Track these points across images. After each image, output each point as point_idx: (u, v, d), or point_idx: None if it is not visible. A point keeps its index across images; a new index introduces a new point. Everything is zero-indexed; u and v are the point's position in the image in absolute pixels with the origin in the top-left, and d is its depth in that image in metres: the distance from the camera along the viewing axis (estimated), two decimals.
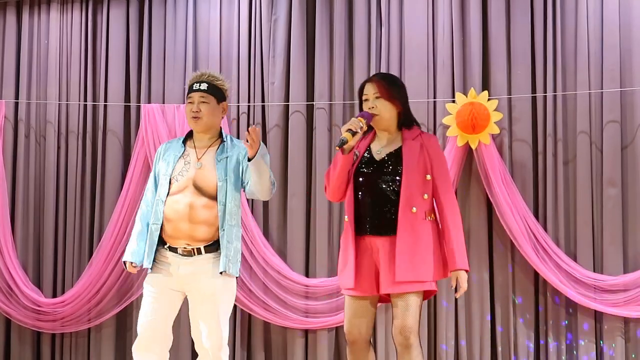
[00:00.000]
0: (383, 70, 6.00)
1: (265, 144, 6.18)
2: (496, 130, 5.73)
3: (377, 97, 3.96)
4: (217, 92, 4.22)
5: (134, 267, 4.27)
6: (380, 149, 3.99)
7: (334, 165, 3.97)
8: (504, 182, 5.68)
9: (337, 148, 3.86)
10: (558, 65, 5.75)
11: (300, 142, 6.14)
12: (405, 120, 4.02)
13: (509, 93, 5.82)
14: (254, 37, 6.29)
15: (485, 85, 5.89)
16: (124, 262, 4.31)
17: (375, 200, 3.90)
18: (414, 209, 3.83)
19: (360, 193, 3.94)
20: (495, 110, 5.73)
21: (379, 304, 4.05)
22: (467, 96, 5.78)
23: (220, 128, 4.29)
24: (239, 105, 6.25)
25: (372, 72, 6.00)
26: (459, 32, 5.91)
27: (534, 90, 5.81)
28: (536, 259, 5.59)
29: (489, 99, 5.76)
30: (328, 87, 6.13)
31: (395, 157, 3.94)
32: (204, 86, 4.18)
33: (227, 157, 4.15)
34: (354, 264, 3.88)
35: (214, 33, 6.37)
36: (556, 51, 5.75)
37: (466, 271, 3.87)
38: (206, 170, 4.12)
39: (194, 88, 4.19)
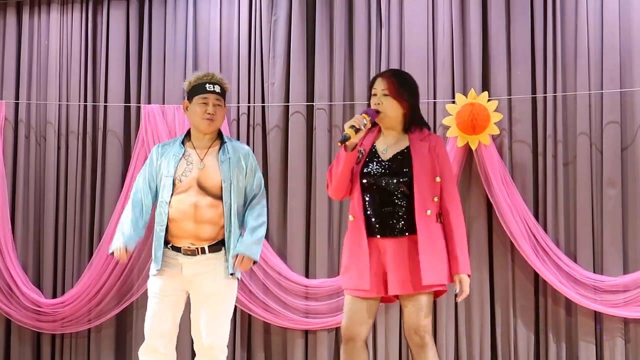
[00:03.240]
0: (383, 70, 6.00)
1: (265, 145, 6.20)
2: (496, 131, 5.73)
3: (385, 94, 3.89)
4: (225, 96, 4.26)
5: (127, 251, 4.14)
6: (385, 148, 3.93)
7: (337, 162, 3.90)
8: (504, 182, 5.68)
9: (339, 144, 3.80)
10: (558, 66, 5.75)
11: (300, 143, 6.14)
12: (413, 121, 3.95)
13: (509, 94, 5.82)
14: (254, 37, 6.28)
15: (485, 86, 5.89)
16: (113, 251, 4.17)
17: (382, 201, 3.85)
18: (429, 212, 3.81)
19: (366, 193, 3.89)
20: (495, 111, 5.73)
21: (382, 305, 4.05)
22: (467, 97, 5.78)
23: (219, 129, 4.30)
24: (238, 106, 6.25)
25: (372, 72, 6.00)
26: (459, 33, 5.91)
27: (534, 91, 5.81)
28: (536, 260, 5.59)
29: (489, 100, 5.76)
30: (328, 88, 6.13)
31: (403, 157, 3.88)
32: (217, 89, 4.19)
33: (229, 158, 4.15)
34: (368, 266, 3.83)
35: (214, 34, 6.37)
36: (556, 52, 5.75)
37: (468, 276, 3.86)
38: (209, 171, 4.12)
39: (209, 89, 4.17)
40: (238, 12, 6.33)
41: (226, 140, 4.23)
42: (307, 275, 6.05)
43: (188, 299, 4.21)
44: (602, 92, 5.66)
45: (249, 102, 6.25)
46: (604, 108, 5.66)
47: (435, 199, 3.85)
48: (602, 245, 5.62)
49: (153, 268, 4.15)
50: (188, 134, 4.27)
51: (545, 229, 5.68)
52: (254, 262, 4.12)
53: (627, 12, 5.69)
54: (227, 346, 4.25)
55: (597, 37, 5.71)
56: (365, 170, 3.90)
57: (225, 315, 4.15)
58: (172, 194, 4.12)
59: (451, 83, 5.91)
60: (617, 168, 5.62)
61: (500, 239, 5.76)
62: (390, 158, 3.90)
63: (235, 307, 6.06)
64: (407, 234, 3.83)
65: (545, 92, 5.77)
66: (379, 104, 3.90)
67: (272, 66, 6.23)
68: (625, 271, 5.57)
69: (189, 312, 4.23)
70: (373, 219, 3.87)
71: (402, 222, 3.83)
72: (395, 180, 3.85)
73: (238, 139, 6.21)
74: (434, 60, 5.97)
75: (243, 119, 6.24)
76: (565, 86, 5.75)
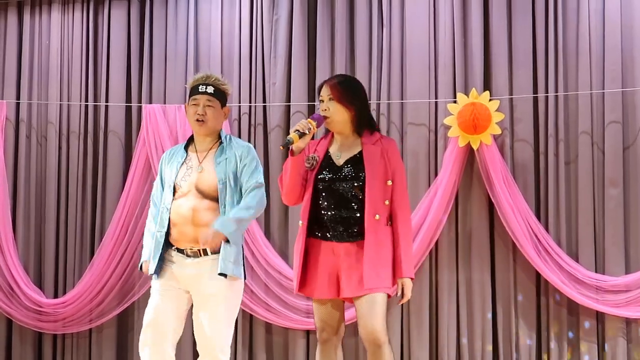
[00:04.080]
0: (384, 70, 6.00)
1: (267, 145, 6.20)
2: (498, 131, 5.73)
3: (330, 99, 3.96)
4: (222, 97, 4.21)
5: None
6: (339, 154, 3.99)
7: (285, 168, 3.98)
8: (506, 182, 5.67)
9: (281, 148, 3.86)
10: (560, 66, 5.74)
11: None
12: (362, 125, 3.99)
13: (511, 93, 5.82)
14: (255, 37, 6.28)
15: (487, 85, 5.88)
16: (141, 264, 4.28)
17: (337, 206, 3.91)
18: (377, 217, 3.85)
19: (320, 199, 3.95)
20: (497, 110, 5.73)
21: (348, 304, 4.08)
22: (468, 96, 5.78)
23: (221, 129, 4.29)
24: (240, 106, 6.25)
25: (374, 72, 6.01)
26: (460, 33, 5.91)
27: (535, 90, 5.81)
28: (538, 260, 5.58)
29: (490, 100, 5.75)
30: None
31: (355, 162, 3.94)
32: (210, 89, 4.16)
33: (226, 159, 4.14)
34: (299, 270, 3.94)
35: (215, 33, 6.37)
36: (558, 51, 5.75)
37: (411, 279, 3.91)
38: (207, 173, 4.11)
39: (200, 90, 4.16)
40: (239, 12, 6.33)
41: (224, 140, 4.22)
42: None
43: (191, 299, 4.20)
44: (603, 92, 5.66)
45: (250, 102, 6.25)
46: (605, 107, 5.65)
47: (386, 202, 3.90)
48: (603, 245, 5.61)
49: (151, 269, 4.14)
50: (192, 137, 4.28)
51: (547, 229, 5.68)
52: (227, 241, 4.01)
53: (629, 11, 5.69)
54: (229, 348, 4.22)
55: (598, 37, 5.70)
56: (319, 176, 3.96)
57: (228, 317, 4.12)
58: (172, 200, 4.13)
59: (452, 83, 5.91)
60: (619, 167, 5.62)
61: (502, 239, 5.76)
62: (343, 163, 3.96)
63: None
64: (360, 238, 3.88)
65: (546, 92, 5.76)
66: (326, 109, 3.97)
67: (274, 66, 6.23)
68: (627, 271, 5.57)
69: (192, 313, 4.22)
70: (329, 224, 3.92)
71: (357, 227, 3.89)
72: (349, 185, 3.92)
73: (239, 138, 6.19)
74: (435, 60, 5.97)
75: (244, 119, 6.24)
76: (567, 86, 5.75)
